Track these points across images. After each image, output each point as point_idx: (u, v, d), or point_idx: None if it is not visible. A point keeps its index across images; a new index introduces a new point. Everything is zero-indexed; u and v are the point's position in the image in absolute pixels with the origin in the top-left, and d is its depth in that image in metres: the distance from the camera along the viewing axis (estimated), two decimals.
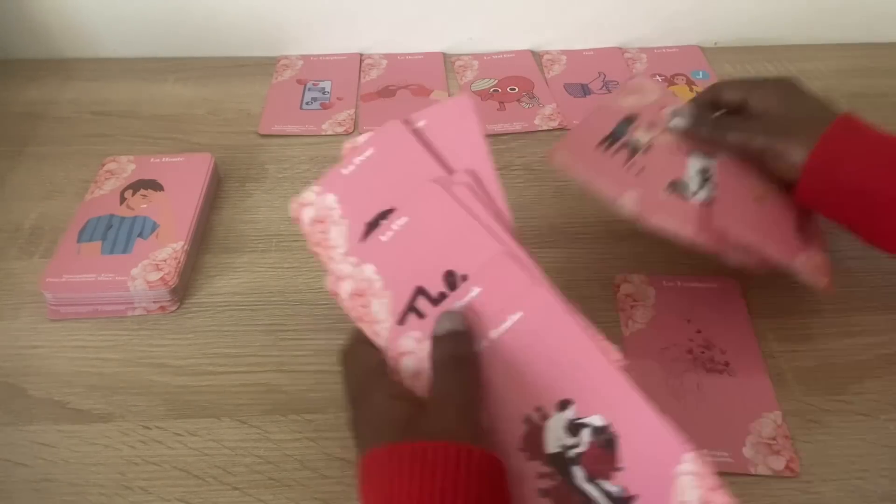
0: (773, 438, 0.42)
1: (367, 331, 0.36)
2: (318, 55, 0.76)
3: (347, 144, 0.40)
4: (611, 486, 0.32)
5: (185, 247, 0.52)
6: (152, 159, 0.59)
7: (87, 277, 0.50)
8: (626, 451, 0.32)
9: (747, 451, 0.42)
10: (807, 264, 0.45)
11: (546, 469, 0.33)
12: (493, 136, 0.66)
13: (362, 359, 0.37)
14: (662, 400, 0.32)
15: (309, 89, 0.72)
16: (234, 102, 0.70)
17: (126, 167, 0.59)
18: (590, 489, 0.32)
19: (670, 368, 0.46)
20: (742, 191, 0.46)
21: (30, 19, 0.72)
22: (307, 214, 0.38)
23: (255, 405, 0.45)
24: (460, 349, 0.35)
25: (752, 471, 0.41)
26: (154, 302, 0.50)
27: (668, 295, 0.50)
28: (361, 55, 0.76)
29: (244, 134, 0.66)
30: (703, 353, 0.47)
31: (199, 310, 0.51)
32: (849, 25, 0.78)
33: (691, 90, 0.72)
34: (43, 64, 0.74)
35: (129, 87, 0.71)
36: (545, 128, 0.67)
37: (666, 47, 0.78)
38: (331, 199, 0.38)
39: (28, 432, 0.43)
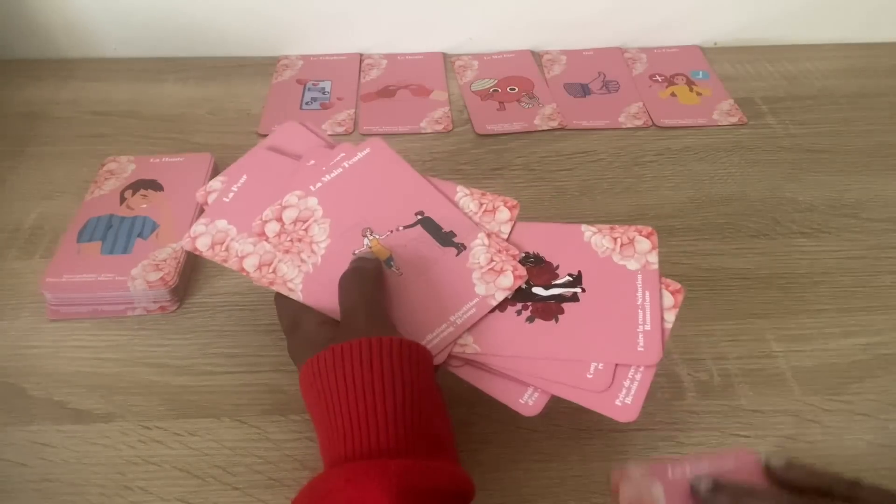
0: (491, 260, 0.43)
1: (283, 290, 0.42)
2: (318, 55, 0.76)
3: (202, 191, 0.47)
4: (563, 280, 0.43)
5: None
6: (152, 159, 0.59)
7: (87, 277, 0.50)
8: (549, 257, 0.44)
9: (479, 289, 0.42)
10: None
11: (518, 305, 0.42)
12: (492, 136, 0.66)
13: (291, 299, 0.42)
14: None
15: (309, 89, 0.72)
16: (234, 102, 0.70)
17: (126, 167, 0.59)
18: (554, 291, 0.42)
19: None
20: None
21: (30, 19, 0.72)
22: (203, 243, 0.44)
23: (255, 405, 0.45)
24: (361, 263, 0.41)
25: (493, 303, 0.41)
26: (154, 302, 0.50)
27: None
28: (361, 55, 0.76)
29: (244, 134, 0.66)
30: None
31: (199, 310, 0.51)
32: (849, 25, 0.78)
33: (691, 90, 0.72)
34: (43, 64, 0.74)
35: (129, 87, 0.72)
36: (545, 128, 0.67)
37: (666, 47, 0.78)
38: (222, 223, 0.45)
39: (28, 432, 0.43)
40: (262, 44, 0.75)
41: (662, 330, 0.40)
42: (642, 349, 0.39)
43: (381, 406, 0.33)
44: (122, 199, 0.56)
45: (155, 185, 0.57)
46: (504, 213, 0.45)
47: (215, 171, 0.60)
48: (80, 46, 0.74)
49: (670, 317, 0.40)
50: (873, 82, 0.74)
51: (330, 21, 0.74)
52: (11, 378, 0.46)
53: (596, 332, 0.40)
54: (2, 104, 0.69)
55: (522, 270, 0.43)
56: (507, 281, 0.42)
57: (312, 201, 0.45)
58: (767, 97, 0.71)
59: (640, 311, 0.40)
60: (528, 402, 0.39)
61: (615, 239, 0.44)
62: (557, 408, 0.41)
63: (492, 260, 0.43)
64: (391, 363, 0.34)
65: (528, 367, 0.39)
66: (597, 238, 0.44)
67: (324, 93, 0.71)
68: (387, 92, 0.72)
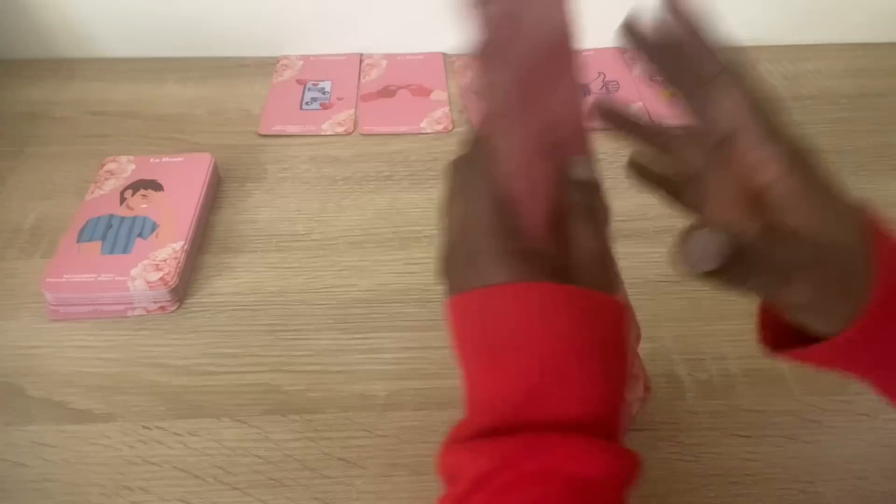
0: None
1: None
2: (318, 55, 0.76)
3: None
4: None
5: (185, 247, 0.52)
6: (152, 159, 0.59)
7: (87, 277, 0.50)
8: None
9: None
10: None
11: None
12: None
13: (486, 174, 0.30)
14: None
15: (309, 89, 0.72)
16: (234, 102, 0.70)
17: (126, 167, 0.59)
18: None
19: None
20: None
21: (30, 19, 0.72)
22: None
23: (255, 405, 0.45)
24: (595, 202, 0.32)
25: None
26: (154, 302, 0.50)
27: None
28: (361, 55, 0.76)
29: (244, 134, 0.66)
30: None
31: (199, 310, 0.51)
32: (849, 25, 0.78)
33: None
34: (43, 64, 0.74)
35: (129, 87, 0.72)
36: None
37: None
38: None
39: (28, 432, 0.43)
40: (262, 44, 0.75)
41: None
42: None
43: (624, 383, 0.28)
44: (122, 199, 0.56)
45: (155, 185, 0.57)
46: None
47: (215, 171, 0.60)
48: (80, 46, 0.74)
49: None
50: (873, 82, 0.74)
51: (330, 21, 0.74)
52: (11, 378, 0.46)
53: None
54: (2, 104, 0.69)
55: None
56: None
57: None
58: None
59: None
60: None
61: None
62: None
63: None
64: (622, 329, 0.29)
65: None
66: None
67: (324, 93, 0.71)
68: (387, 92, 0.71)
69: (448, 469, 0.28)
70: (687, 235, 0.25)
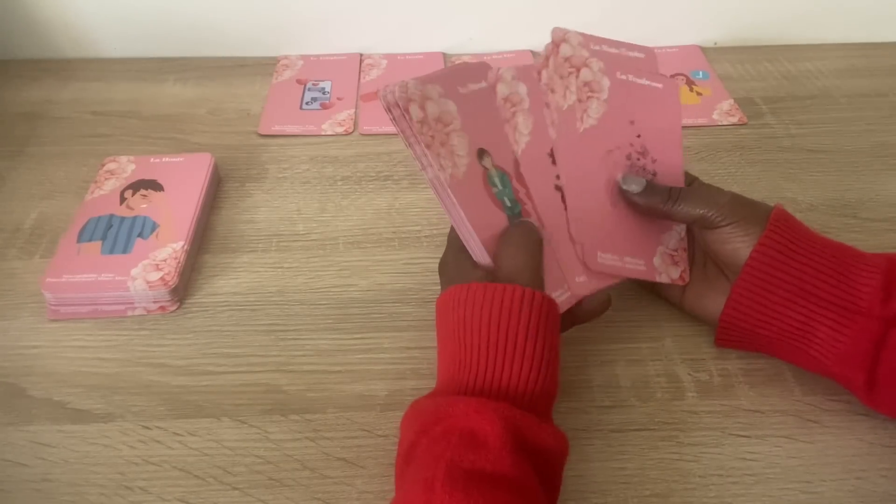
0: (675, 250, 0.47)
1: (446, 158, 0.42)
2: (318, 55, 0.76)
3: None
4: None
5: (185, 247, 0.52)
6: (152, 159, 0.59)
7: (87, 277, 0.50)
8: None
9: (656, 261, 0.47)
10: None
11: None
12: None
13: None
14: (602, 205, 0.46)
15: (309, 89, 0.72)
16: (234, 102, 0.70)
17: (126, 167, 0.59)
18: None
19: (611, 173, 0.47)
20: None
21: (30, 19, 0.72)
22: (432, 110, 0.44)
23: (255, 405, 0.45)
24: (536, 235, 0.43)
25: (657, 278, 0.47)
26: (154, 302, 0.50)
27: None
28: (361, 55, 0.77)
29: (244, 134, 0.66)
30: (638, 159, 0.48)
31: (199, 310, 0.51)
32: (849, 25, 0.78)
33: (691, 90, 0.72)
34: (43, 64, 0.74)
35: (129, 87, 0.72)
36: None
37: (666, 47, 0.78)
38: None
39: (28, 432, 0.43)
40: (262, 44, 0.75)
41: None
42: None
43: (518, 358, 0.37)
44: (122, 199, 0.56)
45: (155, 185, 0.57)
46: None
47: (215, 171, 0.60)
48: (80, 46, 0.74)
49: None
50: (873, 82, 0.74)
51: (330, 21, 0.74)
52: (11, 378, 0.46)
53: None
54: (2, 104, 0.69)
55: (688, 277, 0.47)
56: (675, 273, 0.47)
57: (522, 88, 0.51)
58: (767, 97, 0.71)
59: None
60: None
61: None
62: (556, 408, 0.41)
63: (676, 249, 0.48)
64: (538, 320, 0.37)
65: None
66: None
67: (324, 93, 0.71)
68: None
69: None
70: (623, 179, 0.46)
